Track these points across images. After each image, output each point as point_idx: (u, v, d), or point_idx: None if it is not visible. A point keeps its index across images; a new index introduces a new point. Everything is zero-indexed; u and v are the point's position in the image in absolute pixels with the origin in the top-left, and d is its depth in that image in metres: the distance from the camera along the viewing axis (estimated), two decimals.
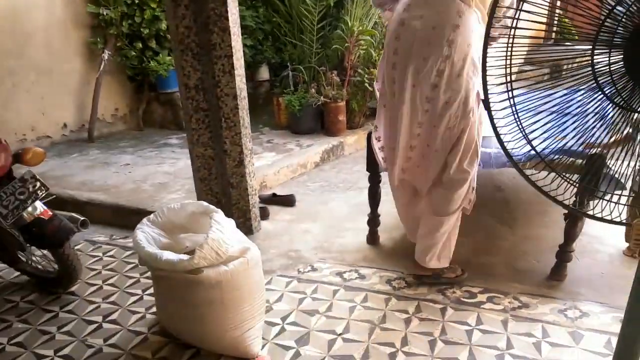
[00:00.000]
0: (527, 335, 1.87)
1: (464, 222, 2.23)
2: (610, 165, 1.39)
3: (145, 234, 1.74)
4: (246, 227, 2.77)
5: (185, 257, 1.63)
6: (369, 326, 1.97)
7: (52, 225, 2.01)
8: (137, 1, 4.31)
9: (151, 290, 2.20)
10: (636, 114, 1.09)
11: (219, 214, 1.75)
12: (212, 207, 1.83)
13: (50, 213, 2.03)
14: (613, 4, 1.07)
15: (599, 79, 1.13)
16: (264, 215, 3.02)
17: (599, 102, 1.12)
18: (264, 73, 5.48)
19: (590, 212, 1.20)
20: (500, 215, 2.93)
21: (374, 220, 2.65)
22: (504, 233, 2.74)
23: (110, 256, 2.67)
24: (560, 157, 1.42)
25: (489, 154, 2.19)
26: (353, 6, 4.31)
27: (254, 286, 1.82)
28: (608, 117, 1.11)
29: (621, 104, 1.06)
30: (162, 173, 3.70)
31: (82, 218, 2.13)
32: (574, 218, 2.08)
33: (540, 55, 1.42)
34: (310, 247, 2.68)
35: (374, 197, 2.58)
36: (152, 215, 1.84)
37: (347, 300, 2.16)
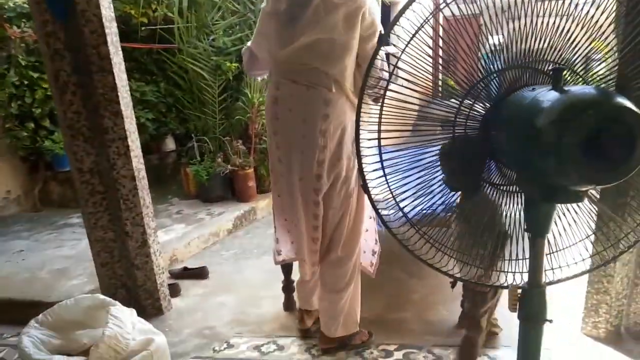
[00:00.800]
0: None
1: (377, 278, 2.29)
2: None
3: (32, 338, 1.59)
4: (155, 308, 2.64)
5: (80, 359, 1.51)
6: None
7: None
8: (26, 82, 4.14)
9: None
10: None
11: (116, 307, 1.66)
12: (108, 299, 1.73)
13: None
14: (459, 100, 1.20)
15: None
16: (175, 292, 2.90)
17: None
18: (170, 144, 5.42)
19: (473, 280, 1.30)
20: (409, 268, 3.04)
21: (288, 287, 2.64)
22: (414, 286, 2.84)
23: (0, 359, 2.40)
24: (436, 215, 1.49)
25: (388, 215, 2.30)
26: (252, 79, 4.46)
27: None
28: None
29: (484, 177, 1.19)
30: (61, 257, 3.44)
31: None
32: None
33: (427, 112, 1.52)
34: (225, 322, 2.60)
35: (286, 264, 2.58)
36: (40, 316, 1.71)
37: None
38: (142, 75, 4.87)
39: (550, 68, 1.09)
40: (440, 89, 1.46)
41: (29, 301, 2.76)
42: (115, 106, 2.22)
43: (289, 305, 2.66)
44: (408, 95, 1.40)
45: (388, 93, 1.31)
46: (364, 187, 1.23)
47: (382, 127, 1.28)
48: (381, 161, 1.25)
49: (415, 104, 1.37)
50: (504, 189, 1.22)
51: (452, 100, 1.25)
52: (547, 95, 0.95)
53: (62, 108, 2.20)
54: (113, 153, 2.30)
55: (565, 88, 0.94)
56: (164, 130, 5.10)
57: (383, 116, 1.27)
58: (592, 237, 1.40)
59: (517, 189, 1.21)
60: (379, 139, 1.24)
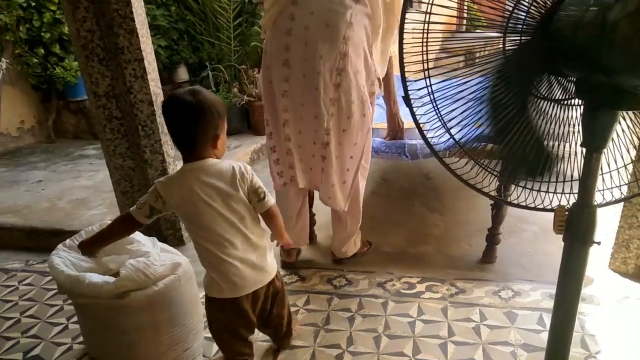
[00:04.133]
0: (466, 320, 1.92)
1: (398, 213, 2.25)
2: None
3: (63, 259, 1.57)
4: (177, 239, 2.64)
5: (110, 279, 1.50)
6: (314, 329, 1.93)
7: None
8: (34, 4, 3.96)
9: (77, 318, 2.03)
10: (544, 102, 1.12)
11: (138, 234, 1.63)
12: None
13: None
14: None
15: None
16: None
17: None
18: (183, 74, 5.24)
19: (515, 201, 1.23)
20: (431, 204, 2.99)
21: (309, 219, 2.60)
22: (436, 220, 2.80)
23: (28, 284, 2.43)
24: (480, 144, 1.43)
25: (415, 145, 2.22)
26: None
27: (188, 303, 1.72)
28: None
29: (534, 93, 1.09)
30: (79, 188, 3.45)
31: None
32: (499, 204, 2.17)
33: (454, 44, 1.43)
34: None
35: (308, 195, 2.53)
36: (68, 241, 1.68)
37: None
38: None
39: None
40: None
41: (52, 229, 2.78)
42: (130, 23, 2.08)
43: (310, 238, 2.63)
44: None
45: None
46: (406, 99, 1.13)
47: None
48: (429, 86, 1.15)
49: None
50: (563, 102, 1.12)
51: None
52: None
53: (75, 26, 2.07)
54: (129, 75, 2.19)
55: None
56: (176, 58, 4.94)
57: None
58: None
59: (575, 101, 1.11)
60: (425, 62, 1.14)
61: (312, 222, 2.61)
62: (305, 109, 1.96)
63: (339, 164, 2.03)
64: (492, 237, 2.30)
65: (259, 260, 1.47)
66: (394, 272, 2.30)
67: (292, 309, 2.06)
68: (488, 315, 1.94)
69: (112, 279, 1.50)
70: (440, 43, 1.44)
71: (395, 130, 2.47)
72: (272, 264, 1.53)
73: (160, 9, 4.60)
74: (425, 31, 1.33)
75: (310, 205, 2.56)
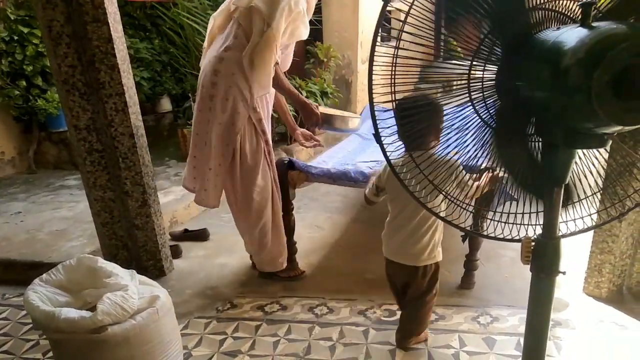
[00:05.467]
0: (446, 347, 1.93)
1: (379, 239, 2.27)
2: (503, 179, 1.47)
3: (39, 294, 1.56)
4: (157, 269, 2.62)
5: (87, 313, 1.49)
6: (295, 359, 1.93)
7: None
8: (16, 37, 3.98)
9: (52, 353, 1.99)
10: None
11: (116, 267, 1.63)
12: (107, 262, 1.70)
13: None
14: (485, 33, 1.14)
15: (474, 101, 1.19)
16: (176, 253, 2.88)
17: (476, 124, 1.18)
18: (166, 104, 5.30)
19: (485, 232, 1.27)
20: None
21: (289, 248, 2.62)
22: None
23: (3, 319, 2.39)
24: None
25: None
26: None
27: (167, 336, 1.71)
28: (484, 138, 1.17)
29: (493, 125, 1.13)
30: (59, 219, 3.41)
31: None
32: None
33: (430, 73, 1.48)
34: (228, 282, 2.59)
35: (288, 224, 2.56)
36: (44, 275, 1.67)
37: (270, 335, 2.10)
38: (136, 32, 4.71)
39: (578, 4, 1.02)
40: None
41: (30, 262, 2.74)
42: (111, 59, 2.13)
43: (291, 265, 2.65)
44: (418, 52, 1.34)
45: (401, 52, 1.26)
46: (376, 137, 1.18)
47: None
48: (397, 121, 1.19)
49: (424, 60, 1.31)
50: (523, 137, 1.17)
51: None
52: (573, 33, 0.89)
53: (57, 61, 2.10)
54: (110, 109, 2.22)
55: (594, 24, 0.89)
56: (159, 90, 4.98)
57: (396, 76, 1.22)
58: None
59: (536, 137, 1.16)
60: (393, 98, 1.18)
61: (293, 250, 2.63)
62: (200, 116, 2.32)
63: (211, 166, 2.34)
64: (470, 264, 2.33)
65: (410, 244, 1.84)
66: (374, 299, 2.32)
67: (274, 340, 2.06)
68: (467, 341, 1.96)
69: (88, 314, 1.49)
70: (418, 72, 1.49)
71: (313, 122, 2.41)
72: (418, 255, 1.85)
73: (144, 42, 4.68)
74: (394, 65, 1.37)
75: (290, 233, 2.58)
